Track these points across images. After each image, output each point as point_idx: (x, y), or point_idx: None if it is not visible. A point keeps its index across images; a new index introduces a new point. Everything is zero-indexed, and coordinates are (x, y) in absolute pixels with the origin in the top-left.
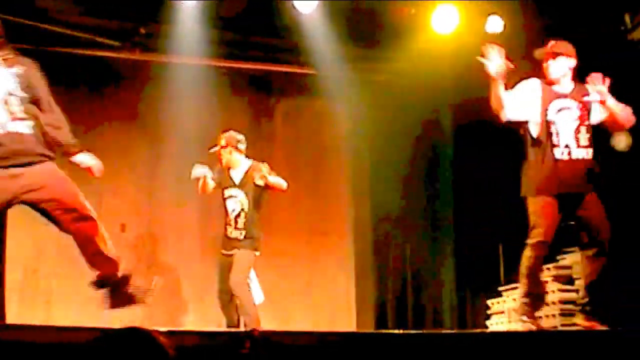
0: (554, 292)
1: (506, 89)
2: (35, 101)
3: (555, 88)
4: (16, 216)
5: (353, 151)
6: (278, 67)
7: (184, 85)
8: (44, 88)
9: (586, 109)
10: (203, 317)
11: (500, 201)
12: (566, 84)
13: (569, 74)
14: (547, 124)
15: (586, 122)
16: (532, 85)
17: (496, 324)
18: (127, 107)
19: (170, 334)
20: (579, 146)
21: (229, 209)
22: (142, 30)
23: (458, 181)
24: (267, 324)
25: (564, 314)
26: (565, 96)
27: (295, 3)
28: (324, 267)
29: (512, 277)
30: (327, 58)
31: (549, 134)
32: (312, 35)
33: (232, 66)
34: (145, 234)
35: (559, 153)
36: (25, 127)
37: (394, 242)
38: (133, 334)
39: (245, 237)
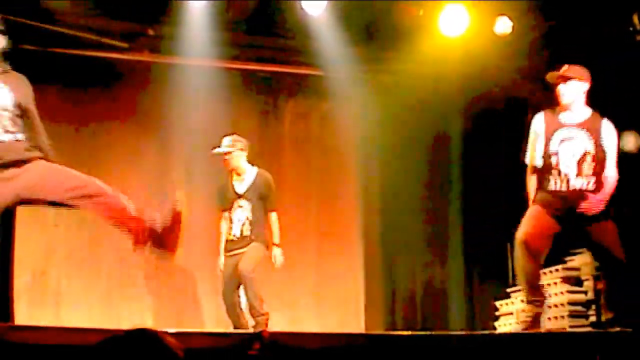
0: (562, 293)
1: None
2: (24, 114)
3: (562, 116)
4: (25, 218)
5: (362, 152)
6: (287, 68)
7: (192, 87)
8: (32, 102)
9: (597, 137)
10: (212, 319)
11: (509, 202)
12: (578, 110)
13: (581, 99)
14: (548, 156)
15: (592, 152)
16: (535, 127)
17: (504, 326)
18: (136, 109)
19: (179, 335)
20: (579, 175)
21: (235, 219)
22: (151, 32)
23: (466, 181)
24: (276, 326)
25: (572, 315)
26: (571, 125)
27: (304, 4)
28: (333, 268)
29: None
30: (335, 59)
31: (549, 165)
32: (320, 36)
33: (241, 68)
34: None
35: (554, 184)
36: (15, 138)
37: (403, 244)
38: (141, 335)
39: (251, 239)
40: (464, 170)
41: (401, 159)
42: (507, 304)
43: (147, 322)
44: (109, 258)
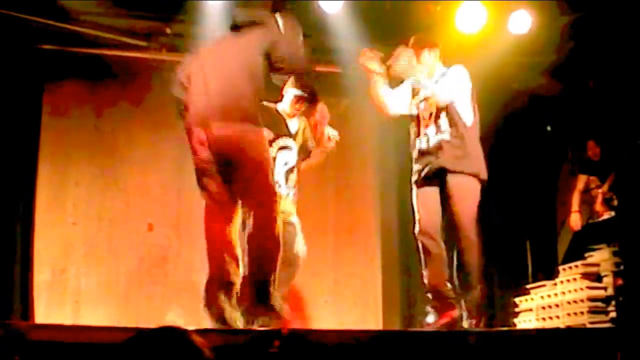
0: (582, 289)
1: None
2: None
3: None
4: (44, 216)
5: (379, 149)
6: None
7: None
8: None
9: None
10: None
11: (527, 199)
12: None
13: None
14: None
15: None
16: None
17: (524, 322)
18: (154, 107)
19: (199, 332)
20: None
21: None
22: (168, 30)
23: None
24: (295, 323)
25: (592, 311)
26: None
27: (321, 3)
28: (351, 265)
29: (540, 275)
30: (353, 57)
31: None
32: (338, 34)
33: None
34: (172, 233)
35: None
36: None
37: None
38: (169, 333)
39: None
40: None
41: None
42: (526, 300)
43: (166, 320)
44: (128, 256)
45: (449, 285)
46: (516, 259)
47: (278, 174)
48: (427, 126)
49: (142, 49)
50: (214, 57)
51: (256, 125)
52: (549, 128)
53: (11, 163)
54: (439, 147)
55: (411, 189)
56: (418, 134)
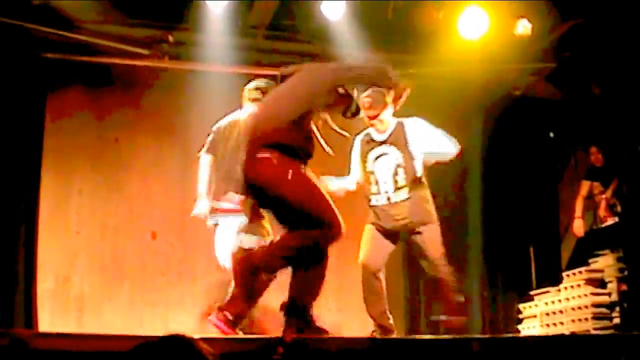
0: (586, 295)
1: None
2: None
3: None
4: (47, 225)
5: None
6: None
7: (213, 92)
8: None
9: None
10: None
11: (530, 205)
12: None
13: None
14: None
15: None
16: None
17: (528, 328)
18: (157, 114)
19: (204, 340)
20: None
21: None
22: (171, 38)
23: (487, 185)
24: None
25: (596, 317)
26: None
27: (324, 9)
28: (355, 272)
29: (543, 281)
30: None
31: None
32: (340, 41)
33: (261, 73)
34: (175, 241)
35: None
36: None
37: None
38: (174, 341)
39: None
40: (484, 173)
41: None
42: (530, 306)
43: (170, 328)
44: (131, 264)
45: (389, 315)
46: (520, 266)
47: (385, 183)
48: (385, 182)
49: (144, 57)
50: None
51: None
52: (551, 134)
53: (14, 171)
54: (400, 207)
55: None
56: (378, 192)
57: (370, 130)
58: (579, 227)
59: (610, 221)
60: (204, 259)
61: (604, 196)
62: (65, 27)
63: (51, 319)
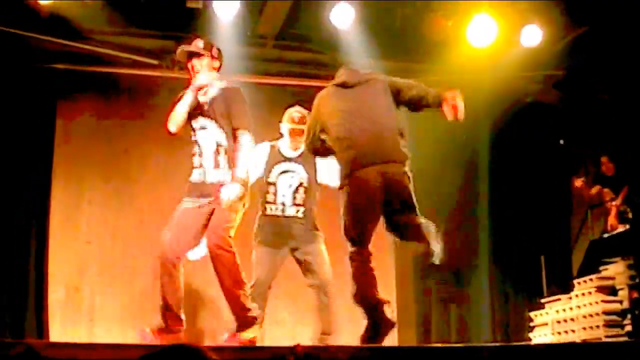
0: (597, 303)
1: None
2: None
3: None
4: (58, 235)
5: None
6: (316, 82)
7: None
8: None
9: None
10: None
11: (540, 212)
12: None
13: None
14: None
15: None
16: None
17: (540, 336)
18: (166, 124)
19: (212, 350)
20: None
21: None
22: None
23: (496, 193)
24: (309, 340)
25: (607, 325)
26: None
27: (332, 18)
28: None
29: (554, 289)
30: None
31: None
32: (349, 50)
33: (270, 82)
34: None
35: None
36: None
37: None
38: (184, 350)
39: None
40: (493, 180)
41: (430, 170)
42: (541, 314)
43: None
44: (142, 273)
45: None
46: (531, 274)
47: (284, 196)
48: (283, 195)
49: (153, 67)
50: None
51: None
52: (561, 141)
53: (25, 182)
54: (292, 222)
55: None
56: (274, 201)
57: (281, 144)
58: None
59: (620, 228)
60: (210, 269)
61: (614, 203)
62: (74, 38)
63: (62, 328)
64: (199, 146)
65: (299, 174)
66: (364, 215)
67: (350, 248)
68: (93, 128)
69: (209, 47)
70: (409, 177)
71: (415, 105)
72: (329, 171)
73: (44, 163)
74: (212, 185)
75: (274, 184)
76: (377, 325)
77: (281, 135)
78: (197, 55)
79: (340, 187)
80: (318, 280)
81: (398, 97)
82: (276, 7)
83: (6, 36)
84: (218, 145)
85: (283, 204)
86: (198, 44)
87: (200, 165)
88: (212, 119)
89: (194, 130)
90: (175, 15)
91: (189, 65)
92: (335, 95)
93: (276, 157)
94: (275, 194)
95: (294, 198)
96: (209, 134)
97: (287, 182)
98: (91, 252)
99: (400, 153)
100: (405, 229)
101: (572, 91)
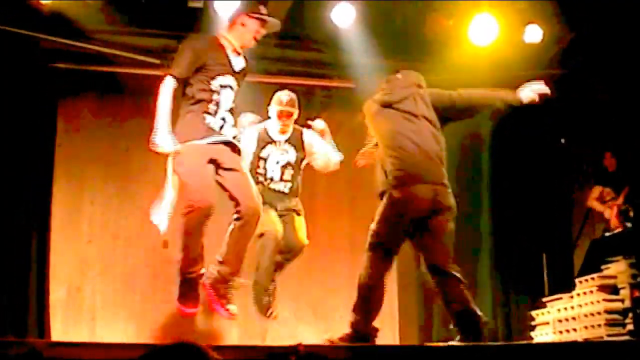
0: (598, 302)
1: None
2: None
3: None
4: (59, 234)
5: None
6: (318, 81)
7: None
8: None
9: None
10: (246, 332)
11: (542, 211)
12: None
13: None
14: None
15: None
16: None
17: (541, 335)
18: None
19: (216, 348)
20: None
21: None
22: None
23: (497, 192)
24: (311, 339)
25: (609, 324)
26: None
27: (334, 17)
28: None
29: (556, 288)
30: (366, 71)
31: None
32: (351, 49)
33: (272, 82)
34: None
35: None
36: None
37: None
38: (186, 349)
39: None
40: (494, 179)
41: None
42: (543, 313)
43: (182, 337)
44: (142, 273)
45: None
46: (532, 272)
47: (272, 171)
48: (272, 171)
49: (155, 66)
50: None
51: None
52: (563, 140)
53: (27, 182)
54: (277, 195)
55: None
56: (264, 174)
57: (269, 126)
58: (609, 214)
59: (622, 227)
60: None
61: (616, 202)
62: (76, 37)
63: (64, 328)
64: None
65: (288, 153)
66: (404, 229)
67: (370, 252)
68: (94, 127)
69: None
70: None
71: (474, 113)
72: (325, 156)
73: (45, 162)
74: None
75: (264, 158)
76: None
77: (269, 118)
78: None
79: (383, 196)
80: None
81: (448, 112)
82: (277, 7)
83: (8, 35)
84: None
85: (272, 179)
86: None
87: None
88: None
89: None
90: (176, 14)
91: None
92: (382, 114)
93: (264, 140)
94: (265, 167)
95: (282, 174)
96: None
97: (275, 159)
98: (92, 251)
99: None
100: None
101: (572, 91)
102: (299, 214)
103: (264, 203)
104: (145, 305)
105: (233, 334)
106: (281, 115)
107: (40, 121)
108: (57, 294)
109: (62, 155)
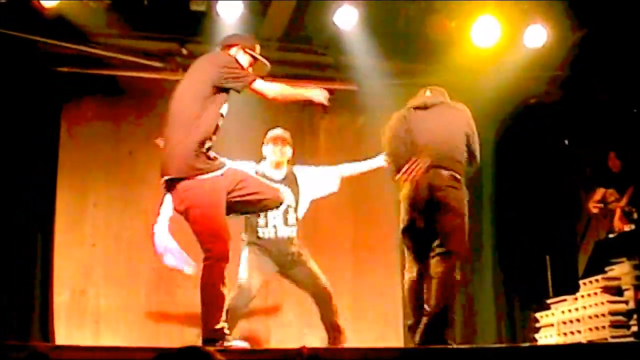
0: (603, 303)
1: None
2: None
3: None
4: (63, 237)
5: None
6: (320, 84)
7: (227, 104)
8: None
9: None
10: (250, 337)
11: (545, 213)
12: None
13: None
14: None
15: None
16: None
17: (545, 337)
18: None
19: (222, 352)
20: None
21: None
22: (184, 51)
23: (500, 193)
24: (315, 342)
25: (613, 325)
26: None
27: (336, 20)
28: (371, 282)
29: (560, 290)
30: (369, 74)
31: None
32: (353, 51)
33: None
34: (191, 254)
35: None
36: None
37: None
38: (192, 353)
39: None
40: (497, 180)
41: None
42: (547, 315)
43: (186, 340)
44: (146, 276)
45: None
46: (536, 274)
47: (274, 218)
48: (274, 218)
49: (158, 69)
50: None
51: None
52: (566, 141)
53: (30, 185)
54: (287, 242)
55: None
56: (265, 225)
57: (264, 168)
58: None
59: (626, 229)
60: None
61: (619, 204)
62: (79, 41)
63: (68, 331)
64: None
65: (287, 195)
66: None
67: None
68: (98, 131)
69: None
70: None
71: None
72: (319, 183)
73: (49, 166)
74: None
75: None
76: None
77: (264, 158)
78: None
79: None
80: (317, 289)
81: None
82: (280, 9)
83: (11, 39)
84: None
85: (275, 227)
86: None
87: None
88: None
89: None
90: (179, 17)
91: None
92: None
93: None
94: (266, 216)
95: (286, 219)
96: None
97: None
98: (96, 254)
99: None
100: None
101: (575, 92)
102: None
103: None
104: (149, 308)
105: (237, 337)
106: (276, 141)
107: (44, 124)
108: (61, 297)
109: (65, 159)
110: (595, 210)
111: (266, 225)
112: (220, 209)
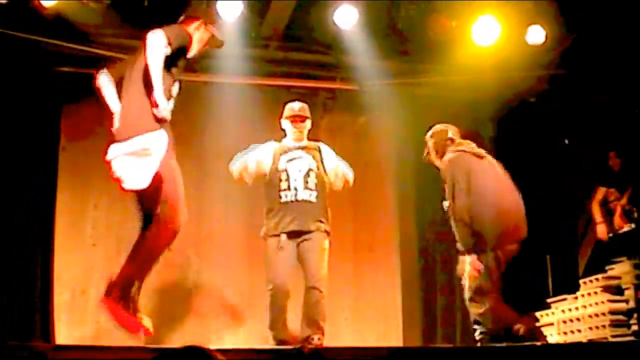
0: (603, 302)
1: None
2: None
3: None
4: (63, 237)
5: (397, 166)
6: (321, 83)
7: (226, 104)
8: None
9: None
10: (250, 335)
11: (545, 212)
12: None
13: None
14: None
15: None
16: None
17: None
18: (172, 127)
19: (222, 351)
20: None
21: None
22: None
23: None
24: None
25: (614, 324)
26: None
27: (336, 19)
28: (371, 282)
29: (560, 289)
30: (369, 73)
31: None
32: (354, 51)
33: (275, 84)
34: (191, 253)
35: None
36: None
37: (440, 258)
38: (193, 352)
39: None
40: None
41: (433, 170)
42: (547, 314)
43: (187, 339)
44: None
45: None
46: (537, 273)
47: (295, 180)
48: (295, 180)
49: None
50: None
51: None
52: (566, 141)
53: (30, 185)
54: (305, 206)
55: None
56: (287, 187)
57: (285, 141)
58: (602, 232)
59: (626, 228)
60: (220, 270)
61: (619, 203)
62: (79, 41)
63: (68, 331)
64: None
65: (307, 160)
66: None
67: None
68: (98, 131)
69: None
70: None
71: None
72: (339, 165)
73: (49, 166)
74: None
75: (284, 170)
76: None
77: (284, 133)
78: None
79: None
80: (312, 279)
81: None
82: (280, 9)
83: (11, 39)
84: None
85: (296, 189)
86: None
87: None
88: None
89: None
90: (179, 17)
91: None
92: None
93: (282, 149)
94: (287, 180)
95: (306, 182)
96: None
97: (297, 167)
98: (97, 254)
99: None
100: None
101: (574, 91)
102: (327, 234)
103: (285, 229)
104: (150, 308)
105: (238, 337)
106: (295, 120)
107: (44, 125)
108: (61, 297)
109: (66, 159)
110: (598, 218)
111: (288, 188)
112: None
